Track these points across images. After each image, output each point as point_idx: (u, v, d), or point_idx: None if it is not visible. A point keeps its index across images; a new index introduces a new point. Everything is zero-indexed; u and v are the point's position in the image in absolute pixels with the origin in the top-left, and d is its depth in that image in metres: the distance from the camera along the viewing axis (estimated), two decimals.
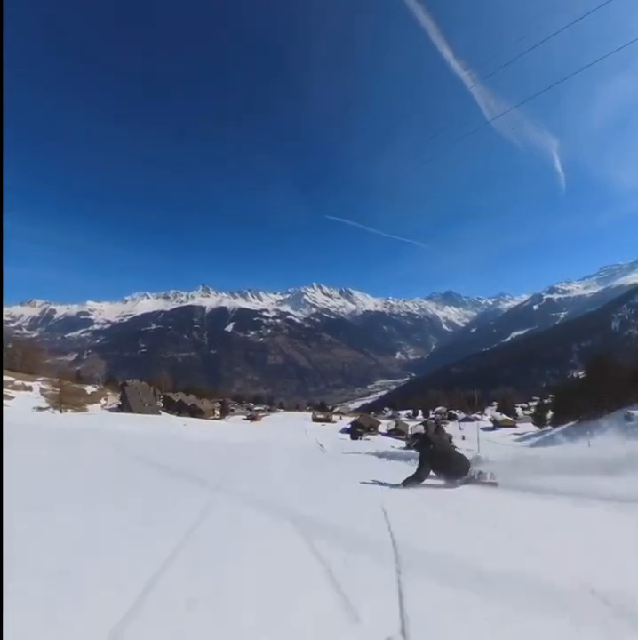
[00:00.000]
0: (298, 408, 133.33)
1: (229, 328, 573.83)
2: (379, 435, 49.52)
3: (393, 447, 22.67)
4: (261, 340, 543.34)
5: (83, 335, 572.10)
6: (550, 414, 54.74)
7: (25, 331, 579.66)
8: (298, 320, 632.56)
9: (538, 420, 56.74)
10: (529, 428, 61.65)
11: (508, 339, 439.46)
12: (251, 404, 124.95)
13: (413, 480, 5.18)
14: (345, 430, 55.15)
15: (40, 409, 34.84)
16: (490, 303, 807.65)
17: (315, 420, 76.33)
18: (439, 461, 5.32)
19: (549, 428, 52.96)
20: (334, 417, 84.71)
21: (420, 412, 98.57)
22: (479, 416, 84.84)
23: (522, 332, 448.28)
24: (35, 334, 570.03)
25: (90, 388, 52.55)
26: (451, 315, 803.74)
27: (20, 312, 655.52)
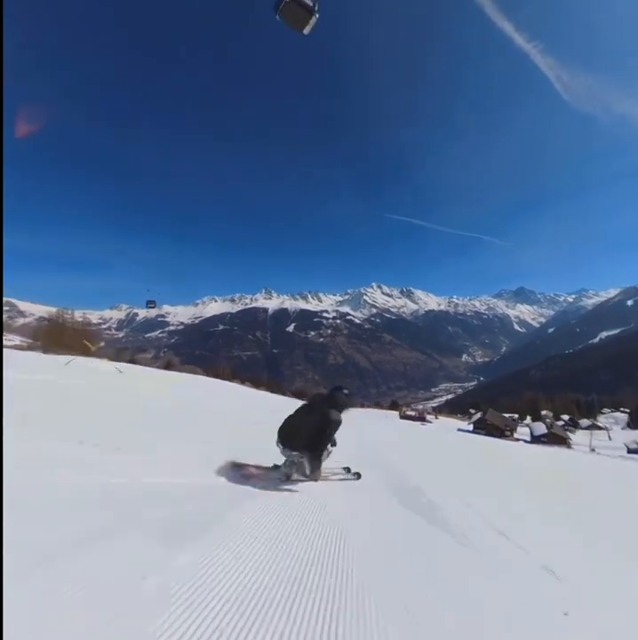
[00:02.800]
0: (363, 406, 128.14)
1: (290, 328, 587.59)
2: (522, 442, 39.55)
3: None
4: (321, 340, 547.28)
5: (160, 335, 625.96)
6: None
7: (113, 331, 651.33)
8: (357, 320, 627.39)
9: None
10: None
11: (597, 339, 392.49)
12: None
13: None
14: (466, 432, 46.02)
15: None
16: (571, 300, 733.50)
17: (404, 417, 65.20)
18: None
19: None
20: (429, 417, 74.53)
21: (528, 416, 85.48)
22: (598, 423, 72.27)
23: (614, 332, 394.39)
24: (121, 334, 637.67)
25: None
26: (524, 313, 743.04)
27: (110, 315, 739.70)
